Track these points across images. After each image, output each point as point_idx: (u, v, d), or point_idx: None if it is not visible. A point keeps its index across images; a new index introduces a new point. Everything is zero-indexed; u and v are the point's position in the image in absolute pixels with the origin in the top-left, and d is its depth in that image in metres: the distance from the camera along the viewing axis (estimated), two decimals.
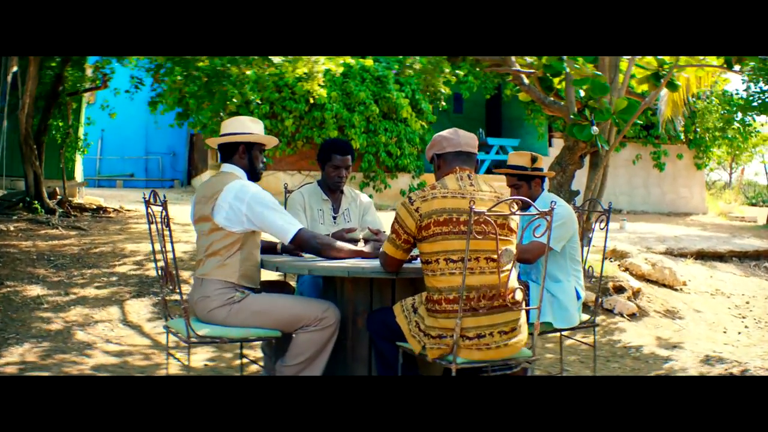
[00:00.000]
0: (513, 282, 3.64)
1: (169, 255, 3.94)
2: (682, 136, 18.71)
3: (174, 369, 5.26)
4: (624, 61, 8.03)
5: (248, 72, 9.54)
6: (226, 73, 9.56)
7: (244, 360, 5.05)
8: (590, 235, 5.14)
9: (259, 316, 4.00)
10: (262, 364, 4.81)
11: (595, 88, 6.89)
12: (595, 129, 7.07)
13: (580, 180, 8.92)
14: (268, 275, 4.76)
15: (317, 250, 4.06)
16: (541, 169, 4.87)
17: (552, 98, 8.09)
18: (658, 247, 10.40)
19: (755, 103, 16.69)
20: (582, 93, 7.51)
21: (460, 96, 14.40)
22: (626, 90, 7.93)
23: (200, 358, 5.73)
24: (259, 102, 13.91)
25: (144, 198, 4.08)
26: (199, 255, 4.12)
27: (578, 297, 4.70)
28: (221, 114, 10.94)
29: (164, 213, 3.87)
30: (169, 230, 3.87)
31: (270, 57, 9.04)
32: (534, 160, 4.84)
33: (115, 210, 12.12)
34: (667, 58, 7.83)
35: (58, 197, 11.78)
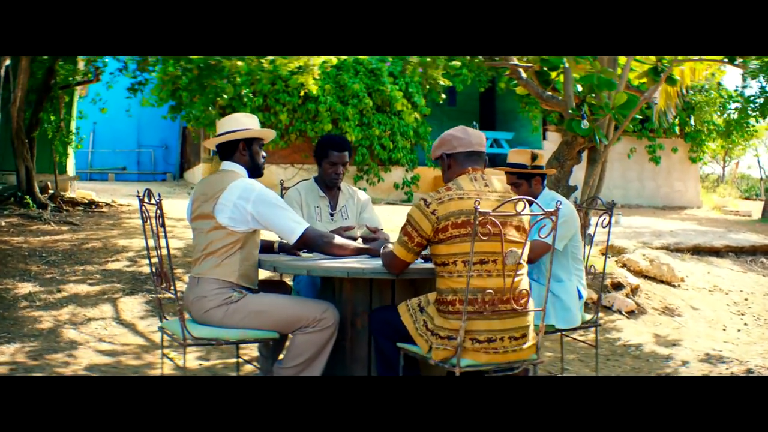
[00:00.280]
0: (525, 285, 3.61)
1: (164, 252, 3.86)
2: (677, 129, 18.65)
3: (168, 369, 5.18)
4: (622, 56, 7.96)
5: (240, 63, 9.43)
6: (218, 67, 9.46)
7: (240, 360, 4.97)
8: (592, 234, 5.05)
9: (257, 317, 3.93)
10: (257, 364, 4.74)
11: (601, 84, 6.81)
12: (585, 123, 6.99)
13: (575, 175, 8.83)
14: (263, 274, 4.69)
15: (323, 248, 4.01)
16: (541, 167, 4.79)
17: (550, 92, 8.01)
18: (654, 242, 10.35)
19: (758, 101, 16.62)
20: (579, 88, 7.43)
21: (454, 89, 14.34)
22: (625, 84, 7.85)
23: (194, 357, 5.64)
24: (252, 95, 13.82)
25: (138, 196, 4.00)
26: (195, 253, 4.04)
27: (580, 296, 4.64)
28: (211, 108, 10.84)
29: (159, 212, 3.80)
30: (164, 230, 3.79)
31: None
32: (534, 157, 4.76)
33: (107, 204, 12.01)
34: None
35: (50, 192, 11.67)
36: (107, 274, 7.41)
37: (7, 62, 10.08)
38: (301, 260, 4.13)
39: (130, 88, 11.65)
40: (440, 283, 3.60)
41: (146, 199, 3.94)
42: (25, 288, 6.82)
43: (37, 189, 11.09)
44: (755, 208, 19.14)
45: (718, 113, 18.96)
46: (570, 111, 7.26)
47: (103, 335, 5.97)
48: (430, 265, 3.87)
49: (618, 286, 7.81)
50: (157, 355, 5.52)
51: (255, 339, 3.98)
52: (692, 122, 18.79)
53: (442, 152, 3.79)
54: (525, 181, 4.71)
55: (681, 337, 6.90)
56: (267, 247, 4.44)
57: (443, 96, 10.13)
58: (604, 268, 4.94)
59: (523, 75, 8.18)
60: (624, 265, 8.66)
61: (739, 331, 7.39)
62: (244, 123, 4.15)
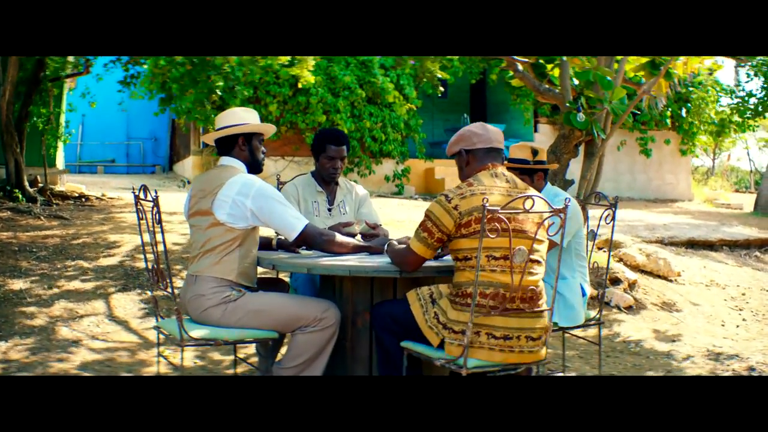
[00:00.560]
0: (542, 285, 3.59)
1: (160, 250, 3.78)
2: (669, 121, 18.57)
3: (164, 368, 5.09)
4: None
5: (233, 57, 9.32)
6: (212, 63, 9.35)
7: (238, 360, 4.89)
8: (595, 230, 4.99)
9: (257, 316, 3.86)
10: (255, 364, 4.67)
11: (598, 81, 6.74)
12: (581, 116, 6.92)
13: (569, 168, 8.76)
14: (259, 271, 4.60)
15: (323, 246, 3.94)
16: (543, 162, 4.72)
17: (546, 85, 7.93)
18: (649, 235, 10.31)
19: (757, 97, 16.60)
20: (576, 81, 7.36)
21: (445, 81, 14.28)
22: (622, 78, 7.78)
23: (190, 356, 5.56)
24: (242, 84, 13.69)
25: (134, 193, 3.91)
26: (193, 251, 3.96)
27: (584, 294, 4.58)
28: (205, 103, 10.74)
29: (156, 209, 3.71)
30: (161, 228, 3.71)
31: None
32: (535, 152, 4.69)
33: (97, 198, 11.88)
34: None
35: (40, 185, 11.54)
36: (99, 270, 7.30)
37: None
38: (301, 258, 4.06)
39: (122, 81, 11.52)
40: (460, 276, 3.54)
41: (141, 195, 3.85)
42: (17, 284, 6.71)
43: (26, 182, 10.96)
44: (746, 201, 19.16)
45: (714, 111, 18.88)
46: (567, 104, 7.19)
47: (96, 333, 5.88)
48: (435, 263, 3.82)
49: (615, 281, 7.75)
50: (151, 353, 5.43)
51: (254, 339, 3.91)
52: (684, 115, 18.69)
53: (461, 148, 3.75)
54: (527, 176, 4.64)
55: (680, 332, 6.85)
56: (265, 244, 4.37)
57: (441, 89, 10.06)
58: (608, 265, 4.88)
59: (520, 67, 8.10)
60: (620, 260, 8.60)
61: (737, 326, 7.35)
62: (243, 117, 4.07)
